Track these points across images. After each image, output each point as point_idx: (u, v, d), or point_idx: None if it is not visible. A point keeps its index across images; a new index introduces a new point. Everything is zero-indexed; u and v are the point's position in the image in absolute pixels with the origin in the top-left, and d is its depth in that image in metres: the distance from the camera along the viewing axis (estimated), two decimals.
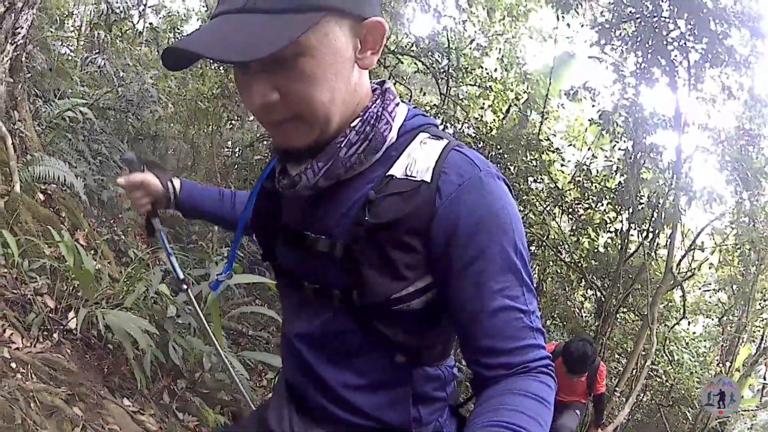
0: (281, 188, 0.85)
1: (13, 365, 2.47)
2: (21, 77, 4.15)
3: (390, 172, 0.80)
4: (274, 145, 0.85)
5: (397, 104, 0.84)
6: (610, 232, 6.88)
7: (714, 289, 8.87)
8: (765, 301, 8.03)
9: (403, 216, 0.76)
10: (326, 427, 0.91)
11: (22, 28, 3.86)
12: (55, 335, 2.92)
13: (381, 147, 0.81)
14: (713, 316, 8.69)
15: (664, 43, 6.48)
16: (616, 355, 7.26)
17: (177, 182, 1.22)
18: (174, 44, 0.70)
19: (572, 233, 6.84)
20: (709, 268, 8.35)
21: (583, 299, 7.58)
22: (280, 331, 1.01)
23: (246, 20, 0.67)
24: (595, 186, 6.80)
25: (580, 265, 6.70)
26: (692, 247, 7.27)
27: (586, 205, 6.87)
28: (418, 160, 0.79)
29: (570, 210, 6.82)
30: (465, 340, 0.81)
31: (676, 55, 6.60)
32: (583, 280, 6.85)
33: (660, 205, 6.45)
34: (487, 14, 7.83)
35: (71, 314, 3.05)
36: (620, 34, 6.78)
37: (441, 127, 0.76)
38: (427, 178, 0.77)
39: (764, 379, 9.80)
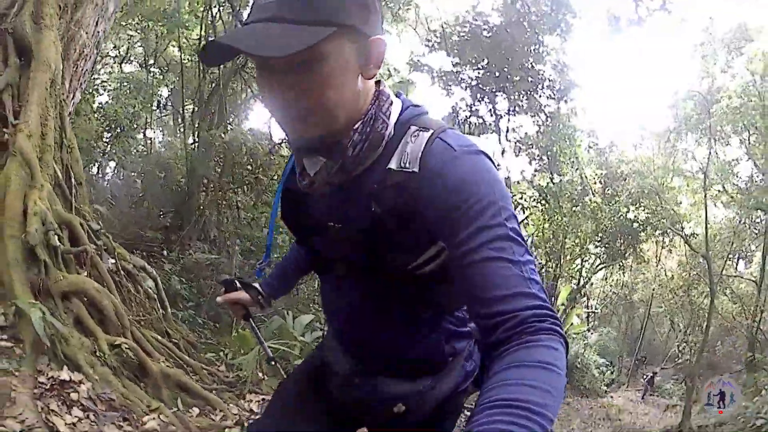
0: (302, 188, 0.99)
1: None
2: None
3: (389, 166, 0.92)
4: (290, 141, 0.98)
5: (391, 103, 0.96)
6: None
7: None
8: (572, 255, 11.09)
9: (401, 203, 0.89)
10: (384, 373, 1.12)
11: None
12: None
13: (380, 143, 0.93)
14: None
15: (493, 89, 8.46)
16: None
17: (260, 288, 1.45)
18: (217, 39, 0.80)
19: None
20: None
21: None
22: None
23: (274, 27, 0.78)
24: None
25: None
26: None
27: None
28: (410, 152, 0.90)
29: None
30: (465, 298, 0.89)
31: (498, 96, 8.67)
32: None
33: None
34: None
35: None
36: (460, 79, 8.49)
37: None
38: (416, 168, 0.89)
39: (587, 308, 13.33)
